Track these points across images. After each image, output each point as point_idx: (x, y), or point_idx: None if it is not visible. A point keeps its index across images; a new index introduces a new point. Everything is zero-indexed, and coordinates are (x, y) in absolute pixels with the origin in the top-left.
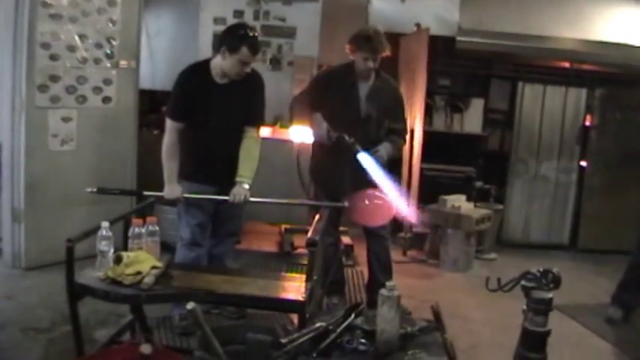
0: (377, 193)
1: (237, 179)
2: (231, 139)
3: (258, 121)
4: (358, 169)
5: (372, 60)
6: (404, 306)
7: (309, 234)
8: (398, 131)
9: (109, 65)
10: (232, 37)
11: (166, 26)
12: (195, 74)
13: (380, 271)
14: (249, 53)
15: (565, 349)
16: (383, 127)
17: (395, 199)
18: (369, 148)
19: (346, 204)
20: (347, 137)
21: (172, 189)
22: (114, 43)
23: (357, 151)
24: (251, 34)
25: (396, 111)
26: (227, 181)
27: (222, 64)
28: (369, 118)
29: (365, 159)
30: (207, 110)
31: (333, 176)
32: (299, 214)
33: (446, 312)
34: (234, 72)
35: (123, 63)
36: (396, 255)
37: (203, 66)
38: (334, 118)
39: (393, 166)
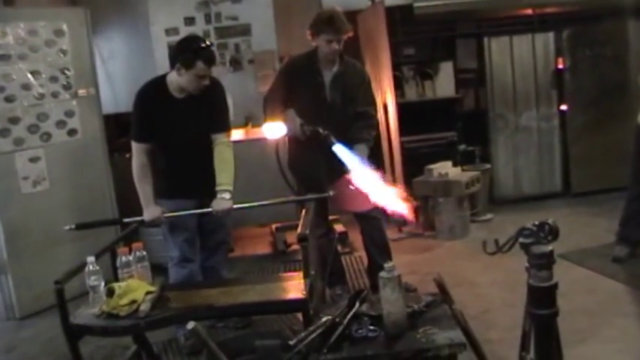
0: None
1: (217, 189)
2: (201, 150)
3: (225, 127)
4: (335, 158)
5: (337, 42)
6: (408, 284)
7: (299, 229)
8: (365, 115)
9: (68, 97)
10: (185, 53)
11: (119, 47)
12: (153, 92)
13: (377, 252)
14: (205, 67)
15: (577, 296)
16: (350, 113)
17: (379, 189)
18: (342, 138)
19: (331, 193)
20: (321, 130)
21: (151, 211)
22: (68, 73)
23: (332, 143)
24: (204, 46)
25: (361, 93)
26: (206, 192)
27: (178, 80)
28: (334, 105)
29: (341, 150)
30: (171, 127)
31: (312, 168)
32: (287, 210)
33: (450, 281)
34: (192, 87)
35: (82, 92)
36: (391, 233)
37: (159, 83)
38: (302, 109)
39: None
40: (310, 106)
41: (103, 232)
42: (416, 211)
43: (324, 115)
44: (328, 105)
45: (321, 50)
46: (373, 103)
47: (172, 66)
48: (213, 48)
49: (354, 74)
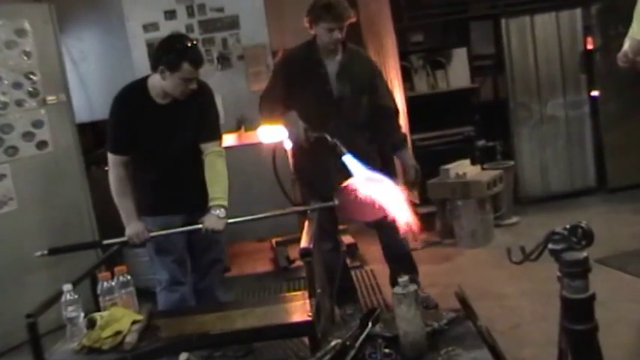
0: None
1: (211, 204)
2: (188, 162)
3: (216, 135)
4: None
5: (338, 29)
6: (429, 299)
7: (302, 243)
8: (388, 112)
9: (35, 105)
10: (169, 54)
11: (91, 47)
12: (132, 98)
13: (397, 264)
14: (191, 68)
15: (620, 306)
16: (361, 106)
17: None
18: (347, 134)
19: (336, 202)
20: (329, 138)
21: (134, 229)
22: (34, 78)
23: (341, 154)
24: (190, 45)
25: (374, 84)
26: (195, 206)
27: (162, 85)
28: (342, 99)
29: (351, 161)
30: (154, 136)
31: (319, 172)
32: (288, 222)
33: (474, 294)
34: (178, 91)
35: (51, 99)
36: None
37: (140, 87)
38: (306, 107)
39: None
40: (315, 103)
41: (82, 256)
42: (421, 217)
43: (331, 111)
44: (336, 99)
45: (320, 39)
46: (390, 94)
47: (154, 69)
48: (200, 46)
49: (360, 63)
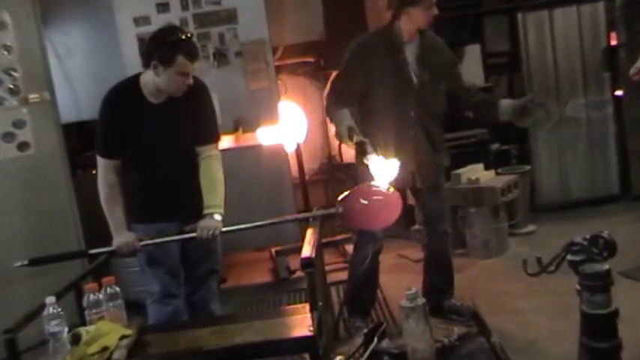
0: (375, 188)
1: (206, 212)
2: (183, 165)
3: (213, 137)
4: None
5: (435, 6)
6: (463, 306)
7: (303, 252)
8: (471, 89)
9: (16, 103)
10: (162, 47)
11: (78, 42)
12: (123, 98)
13: (439, 274)
14: (186, 61)
15: None
16: (440, 94)
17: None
18: (427, 121)
19: (340, 210)
20: (367, 144)
21: (123, 238)
22: (16, 74)
23: (369, 152)
24: (184, 37)
25: (454, 71)
26: (190, 213)
27: (156, 81)
28: (423, 84)
29: (377, 163)
30: (147, 138)
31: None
32: (289, 230)
33: (488, 308)
34: (174, 88)
35: (33, 97)
36: (412, 252)
37: (131, 85)
38: (383, 95)
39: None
40: (394, 91)
41: (66, 266)
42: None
43: (411, 99)
44: (416, 86)
45: (410, 23)
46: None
47: (146, 64)
48: (195, 39)
49: (438, 49)
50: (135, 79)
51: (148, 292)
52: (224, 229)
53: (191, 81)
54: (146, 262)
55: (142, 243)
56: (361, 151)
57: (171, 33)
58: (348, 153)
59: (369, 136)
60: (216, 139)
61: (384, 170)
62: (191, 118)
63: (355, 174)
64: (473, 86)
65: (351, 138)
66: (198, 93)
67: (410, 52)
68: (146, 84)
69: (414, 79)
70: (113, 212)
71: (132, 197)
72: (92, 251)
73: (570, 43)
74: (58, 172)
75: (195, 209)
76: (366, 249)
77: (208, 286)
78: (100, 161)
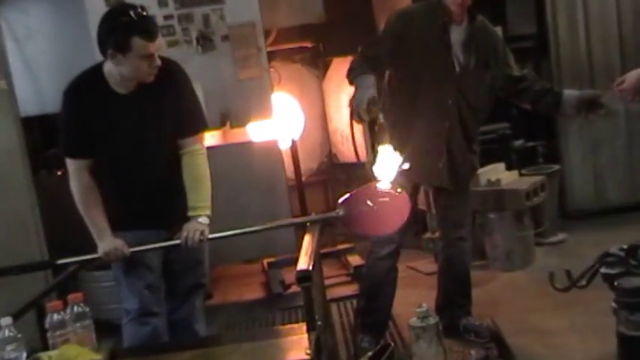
0: (382, 190)
1: (191, 214)
2: (164, 162)
3: (197, 127)
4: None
5: None
6: (481, 325)
7: (300, 264)
8: (528, 76)
9: None
10: (113, 32)
11: (39, 22)
12: (87, 90)
13: (455, 285)
14: (144, 42)
15: None
16: (483, 83)
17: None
18: (466, 114)
19: (340, 213)
20: (381, 119)
21: (110, 243)
22: None
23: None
24: (135, 16)
25: (505, 59)
26: (173, 219)
27: (120, 70)
28: (466, 71)
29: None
30: (117, 134)
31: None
32: (283, 239)
33: (511, 328)
34: (141, 74)
35: None
36: (424, 264)
37: (95, 76)
38: (419, 77)
39: None
40: (432, 74)
41: (26, 280)
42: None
43: (451, 85)
44: (458, 71)
45: (454, 4)
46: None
47: (103, 54)
48: (150, 14)
49: (487, 34)
50: (98, 69)
51: (124, 309)
52: (210, 235)
53: (158, 62)
54: (123, 274)
55: (130, 250)
56: (372, 135)
57: (120, 14)
58: (350, 151)
59: (392, 125)
60: (200, 129)
61: (392, 165)
62: (168, 106)
63: (358, 174)
64: (529, 73)
65: (369, 111)
66: (172, 76)
67: (456, 35)
68: (110, 74)
69: (456, 65)
70: (94, 216)
71: (106, 202)
72: (60, 261)
73: (607, 25)
74: (17, 172)
75: (179, 214)
76: (380, 250)
77: (192, 303)
78: (70, 162)
